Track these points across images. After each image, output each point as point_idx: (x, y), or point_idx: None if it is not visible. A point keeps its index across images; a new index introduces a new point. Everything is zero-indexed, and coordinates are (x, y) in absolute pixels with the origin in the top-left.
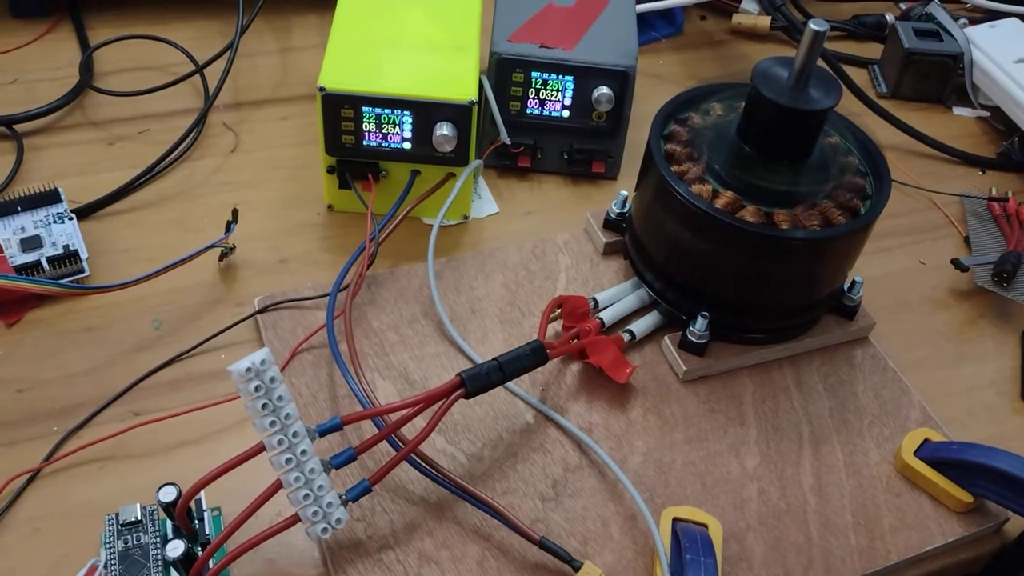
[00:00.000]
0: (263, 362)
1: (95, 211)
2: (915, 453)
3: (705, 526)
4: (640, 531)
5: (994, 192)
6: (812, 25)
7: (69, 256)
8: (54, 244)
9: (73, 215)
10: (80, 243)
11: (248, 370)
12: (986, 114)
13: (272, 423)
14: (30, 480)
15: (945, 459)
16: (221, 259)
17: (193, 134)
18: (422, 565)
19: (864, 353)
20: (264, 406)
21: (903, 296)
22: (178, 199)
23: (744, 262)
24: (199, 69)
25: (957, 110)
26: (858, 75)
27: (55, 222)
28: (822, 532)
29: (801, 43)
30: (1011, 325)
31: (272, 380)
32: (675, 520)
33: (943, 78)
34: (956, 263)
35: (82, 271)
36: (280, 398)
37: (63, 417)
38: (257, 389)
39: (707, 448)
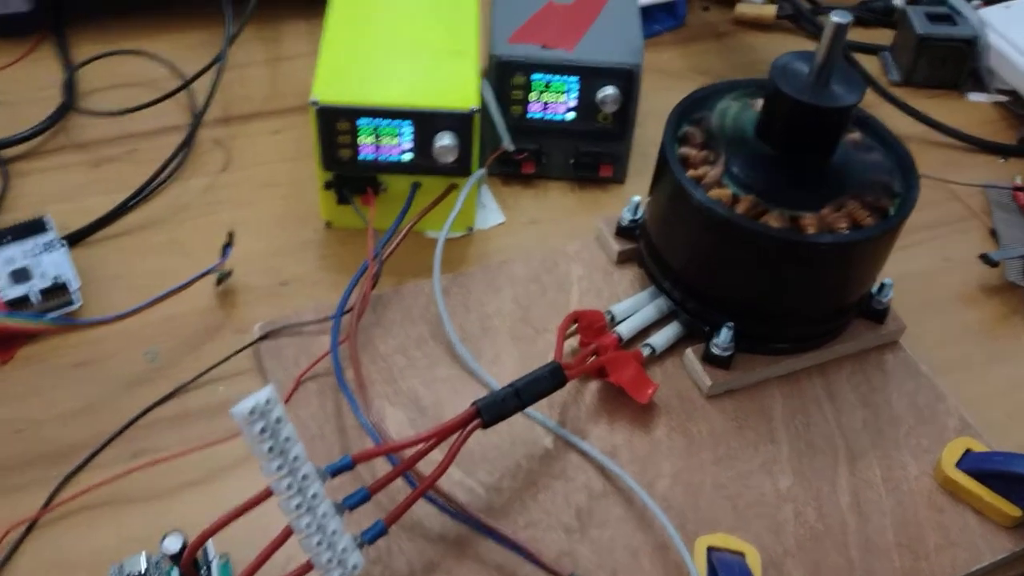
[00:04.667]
0: (267, 401)
1: (84, 237)
2: (957, 465)
3: (742, 554)
4: (673, 562)
5: (1019, 181)
6: (834, 17)
7: (59, 288)
8: (43, 275)
9: (64, 243)
10: (70, 273)
11: (252, 412)
12: (1004, 99)
13: (280, 467)
14: (28, 530)
15: (990, 471)
16: (218, 284)
17: (182, 152)
18: None
19: (896, 358)
20: (270, 449)
21: (930, 295)
22: (170, 221)
23: (769, 270)
24: (186, 84)
25: (972, 96)
26: (868, 63)
27: (44, 251)
28: (864, 555)
29: (823, 37)
30: None
31: (278, 420)
32: (710, 549)
33: (958, 63)
34: (985, 258)
35: (72, 303)
36: (287, 439)
37: (60, 460)
38: (262, 431)
39: (737, 468)
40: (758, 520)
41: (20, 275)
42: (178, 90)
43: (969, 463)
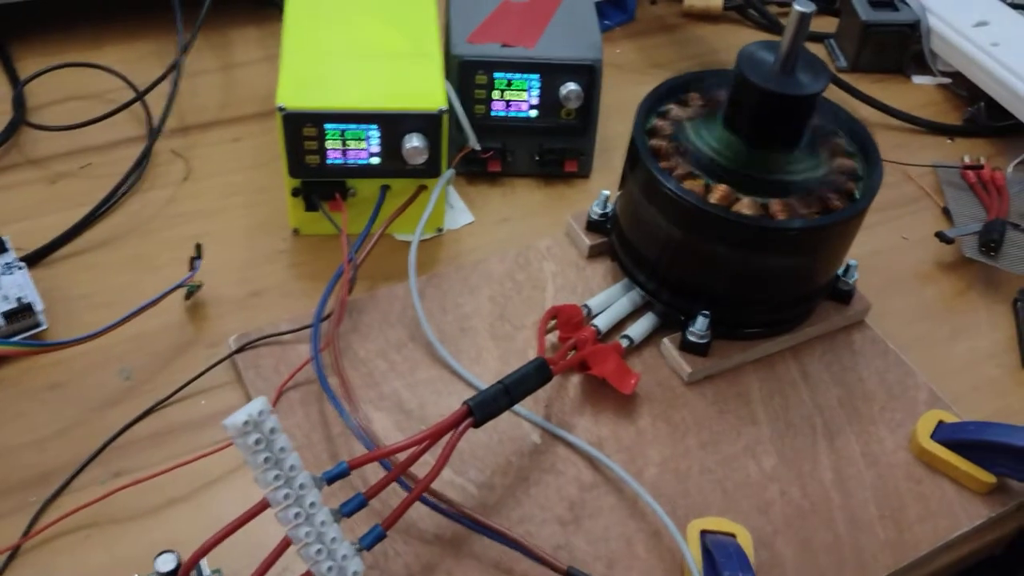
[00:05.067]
0: (261, 412)
1: (44, 256)
2: (931, 437)
3: (733, 535)
4: (667, 547)
5: (967, 160)
6: (797, 7)
7: (23, 310)
8: (6, 298)
9: (23, 264)
10: (34, 294)
11: (246, 423)
12: (947, 81)
13: (276, 477)
14: (10, 558)
15: (963, 441)
16: (188, 297)
17: (141, 165)
18: None
19: (863, 337)
20: (266, 460)
21: (890, 274)
22: (132, 236)
23: (743, 256)
24: (140, 96)
25: (917, 79)
26: (814, 50)
27: (4, 273)
28: (850, 529)
29: (787, 26)
30: (1001, 294)
31: (272, 431)
32: (703, 532)
33: (901, 48)
34: (941, 236)
35: (39, 324)
36: (282, 449)
37: (38, 486)
38: (257, 443)
39: (722, 452)
40: (746, 501)
41: None
42: (132, 102)
43: (943, 434)
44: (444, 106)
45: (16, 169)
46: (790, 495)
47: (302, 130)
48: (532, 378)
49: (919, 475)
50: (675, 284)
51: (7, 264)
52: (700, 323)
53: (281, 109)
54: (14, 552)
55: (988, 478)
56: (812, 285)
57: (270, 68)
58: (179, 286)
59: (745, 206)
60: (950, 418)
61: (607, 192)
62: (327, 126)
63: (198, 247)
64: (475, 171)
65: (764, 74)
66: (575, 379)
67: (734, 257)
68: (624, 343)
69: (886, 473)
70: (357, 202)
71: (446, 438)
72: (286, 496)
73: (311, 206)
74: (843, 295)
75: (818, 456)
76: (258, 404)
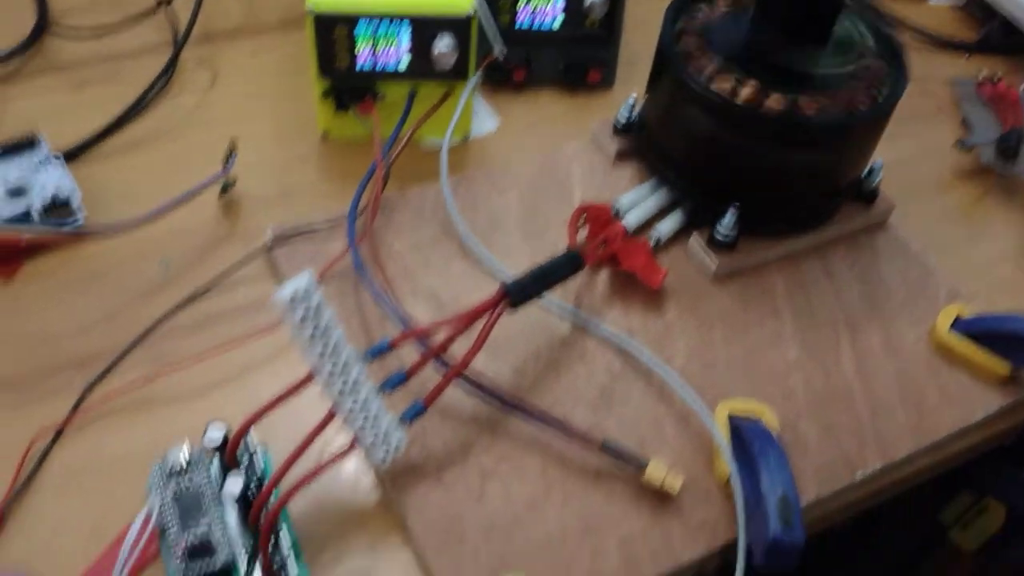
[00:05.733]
0: (307, 287)
1: (79, 155)
2: (950, 329)
3: (759, 416)
4: (694, 430)
5: (984, 74)
6: None
7: (61, 204)
8: (42, 192)
9: (60, 157)
10: (72, 188)
11: (293, 298)
12: (962, 1)
13: (322, 351)
14: (56, 437)
15: (981, 331)
16: (223, 194)
17: (168, 72)
18: (484, 481)
19: (886, 237)
20: (312, 334)
21: (911, 182)
22: (163, 139)
23: (772, 153)
24: (165, 2)
25: (933, 0)
26: None
27: (40, 168)
28: (871, 414)
29: None
30: (1016, 201)
31: (319, 306)
32: (730, 415)
33: None
34: (960, 144)
35: (76, 218)
36: (328, 324)
37: (81, 369)
38: (304, 317)
39: (747, 343)
40: (771, 388)
41: (17, 192)
42: (157, 8)
43: (961, 327)
44: (473, 8)
45: (42, 75)
46: (813, 383)
47: (333, 31)
48: (565, 266)
49: (938, 366)
50: (704, 182)
51: (42, 160)
52: (728, 219)
53: (311, 11)
54: (60, 430)
55: (1003, 368)
56: (837, 183)
57: None
58: (216, 179)
59: (774, 102)
60: (968, 313)
61: (634, 96)
62: (358, 28)
63: (232, 143)
64: (500, 80)
65: None
66: (604, 274)
67: (763, 153)
68: (652, 240)
69: (906, 364)
70: (385, 106)
71: (483, 320)
72: (332, 370)
73: (341, 106)
74: (867, 196)
75: (840, 348)
76: (304, 278)
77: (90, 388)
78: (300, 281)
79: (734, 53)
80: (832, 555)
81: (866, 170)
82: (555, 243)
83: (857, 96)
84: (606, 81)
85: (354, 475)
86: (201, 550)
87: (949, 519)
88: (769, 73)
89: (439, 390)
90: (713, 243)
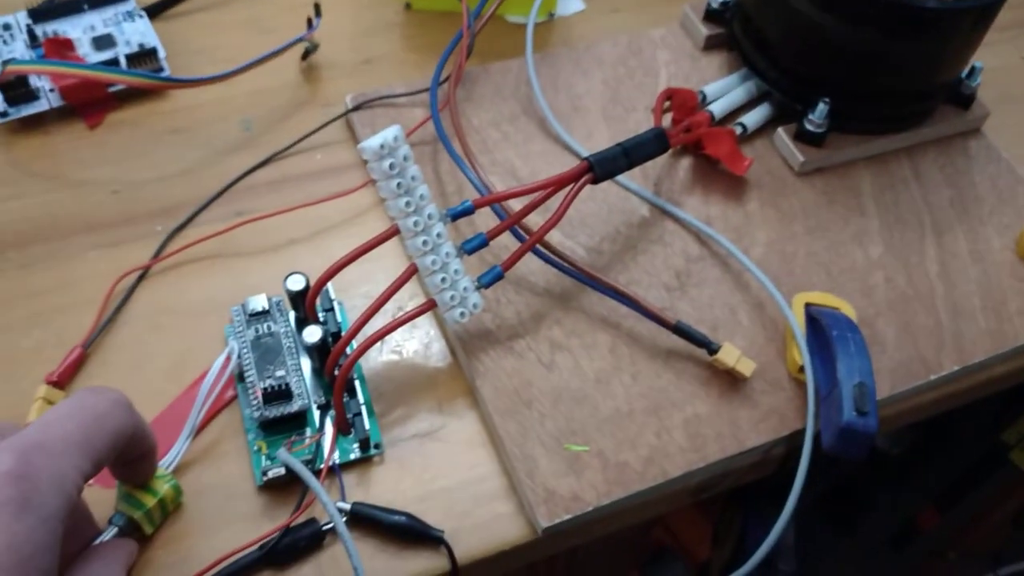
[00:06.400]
0: (395, 138)
1: (162, 11)
2: None
3: (837, 309)
4: (769, 317)
5: None
6: None
7: (146, 54)
8: (128, 42)
9: (143, 12)
10: (156, 40)
11: (382, 146)
12: None
13: (407, 204)
14: (140, 278)
15: None
16: (304, 58)
17: None
18: (554, 352)
19: (979, 144)
20: (399, 185)
21: (1006, 92)
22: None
23: (873, 39)
24: None
25: None
26: None
27: (125, 20)
28: (951, 316)
29: None
30: None
31: (405, 158)
32: (807, 304)
33: None
34: None
35: (161, 69)
36: (414, 178)
37: (163, 217)
38: (391, 167)
39: (829, 238)
40: (850, 284)
41: (103, 42)
42: None
43: None
44: None
45: None
46: (895, 282)
47: None
48: (650, 144)
49: (1023, 274)
50: (797, 72)
51: (128, 12)
52: (820, 111)
53: None
54: (144, 272)
55: None
56: (936, 79)
57: None
58: (298, 40)
59: None
60: None
61: None
62: None
63: (317, 5)
64: None
65: None
66: (685, 161)
67: (865, 40)
68: (737, 130)
69: (991, 270)
70: None
71: (564, 193)
72: (416, 223)
73: None
74: (964, 99)
75: (925, 250)
76: (393, 130)
77: (173, 235)
78: (389, 132)
79: None
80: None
81: (965, 71)
82: (637, 128)
83: None
84: None
85: (427, 339)
86: (277, 395)
87: (1011, 439)
88: None
89: (518, 255)
90: (801, 136)
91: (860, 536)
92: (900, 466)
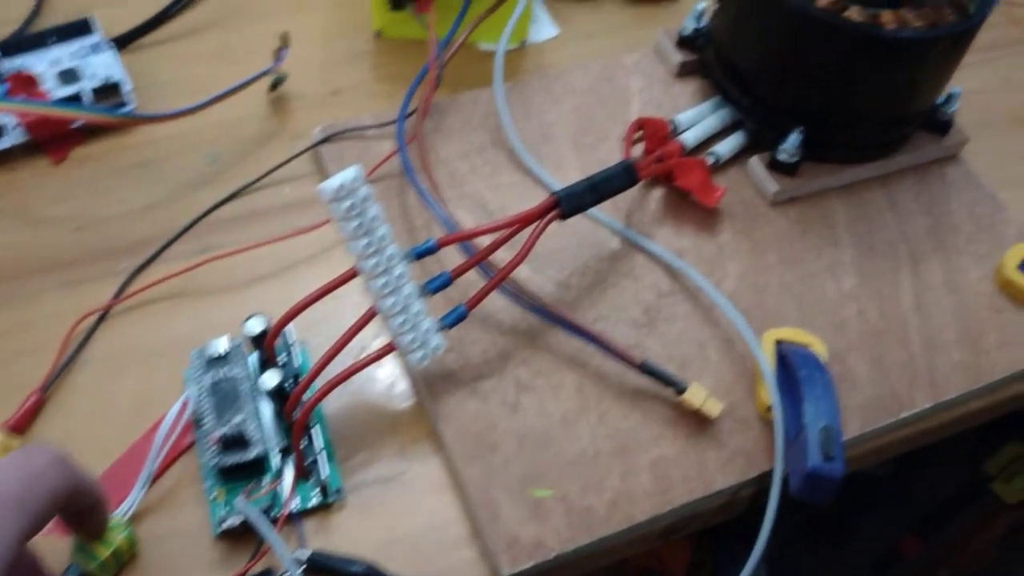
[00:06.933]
0: (355, 179)
1: (129, 42)
2: (1018, 268)
3: (808, 346)
4: (739, 353)
5: None
6: None
7: (111, 88)
8: (93, 76)
9: (112, 44)
10: (122, 73)
11: (340, 188)
12: None
13: (367, 245)
14: (101, 319)
15: None
16: (272, 88)
17: None
18: (519, 393)
19: (956, 171)
20: (359, 227)
21: (986, 115)
22: (215, 29)
23: (846, 68)
24: None
25: None
26: None
27: (92, 53)
28: (925, 350)
29: None
30: None
31: (365, 199)
32: (778, 341)
33: None
34: None
35: (126, 103)
36: (374, 218)
37: (127, 255)
38: (350, 208)
39: (802, 269)
40: (822, 317)
41: (69, 76)
42: None
43: None
44: None
45: None
46: (867, 315)
47: None
48: (619, 178)
49: (1001, 305)
50: (770, 101)
51: (94, 45)
52: (792, 140)
53: None
54: (105, 313)
55: None
56: (911, 107)
57: None
58: (265, 73)
59: (855, 13)
60: None
61: (703, 4)
62: None
63: (284, 37)
64: None
65: None
66: (657, 192)
67: (836, 68)
68: (710, 160)
69: (968, 300)
70: (441, 6)
71: (531, 228)
72: (376, 265)
73: (396, 5)
74: (940, 125)
75: (899, 280)
76: (352, 171)
77: (136, 273)
78: (348, 173)
79: None
80: (870, 498)
81: (942, 97)
82: (608, 158)
83: (942, 13)
84: None
85: (390, 380)
86: (235, 442)
87: (993, 470)
88: None
89: (483, 294)
90: (774, 165)
91: (842, 561)
92: (884, 489)
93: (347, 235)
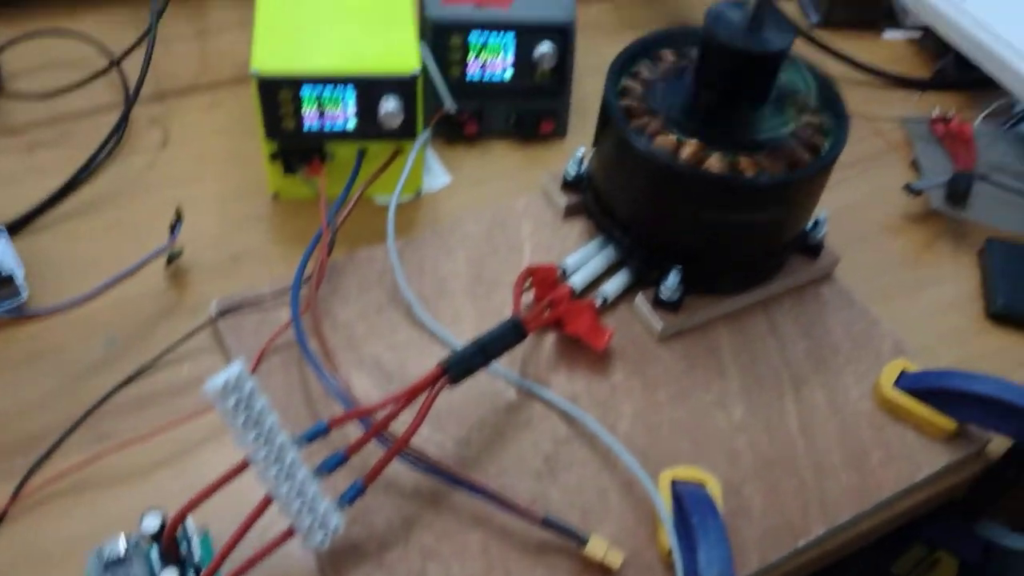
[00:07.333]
0: (239, 376)
1: (25, 225)
2: (894, 385)
3: (703, 483)
4: (639, 497)
5: (936, 113)
6: None
7: (3, 280)
8: None
9: (3, 231)
10: (14, 263)
11: (225, 386)
12: (917, 35)
13: (256, 437)
14: None
15: (924, 388)
16: (169, 263)
17: (119, 132)
18: (425, 561)
19: (831, 290)
20: (246, 421)
21: (859, 227)
22: (112, 203)
23: (714, 213)
24: (115, 63)
25: (888, 34)
26: (787, 6)
27: None
28: (815, 475)
29: None
30: (967, 244)
31: (251, 393)
32: (674, 482)
33: (873, 3)
34: (908, 188)
35: (19, 293)
36: (261, 410)
37: (23, 451)
38: (236, 405)
39: (692, 404)
40: (715, 451)
41: None
42: (108, 68)
43: (905, 383)
44: (418, 69)
45: None
46: (758, 444)
47: (278, 95)
48: (507, 336)
49: (882, 423)
50: (648, 241)
51: None
52: (672, 280)
53: (256, 74)
54: (1, 516)
55: (949, 424)
56: (781, 240)
57: (246, 32)
58: (160, 252)
59: (715, 162)
60: (913, 367)
61: (582, 151)
62: (303, 90)
63: (178, 212)
64: (452, 134)
65: (731, 32)
66: (550, 337)
67: (705, 213)
68: (598, 301)
69: (850, 421)
70: (335, 166)
71: (423, 396)
72: (266, 456)
73: (289, 169)
74: (812, 249)
75: (785, 407)
76: (236, 368)
77: (31, 472)
78: (232, 370)
79: (677, 110)
80: None
81: (811, 223)
82: (503, 306)
83: (798, 152)
84: (559, 131)
85: (298, 560)
86: None
87: (901, 571)
88: (711, 130)
89: (378, 470)
90: (658, 303)
91: None
92: None
93: (235, 430)
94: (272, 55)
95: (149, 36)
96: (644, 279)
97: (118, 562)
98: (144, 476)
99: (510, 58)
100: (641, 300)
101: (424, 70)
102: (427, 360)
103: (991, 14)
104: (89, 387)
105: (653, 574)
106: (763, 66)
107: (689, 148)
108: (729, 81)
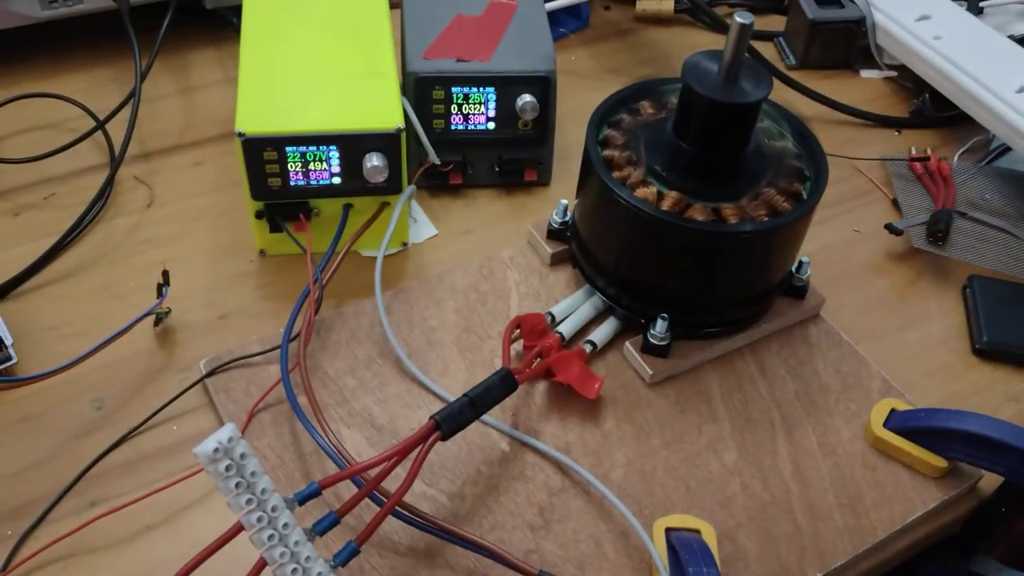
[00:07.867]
0: (230, 439)
1: (12, 289)
2: (884, 425)
3: (698, 531)
4: (634, 546)
5: (913, 152)
6: (737, 19)
7: None
8: None
9: None
10: (2, 329)
11: (216, 450)
12: (893, 74)
13: (248, 500)
14: None
15: (914, 428)
16: (157, 324)
17: (105, 193)
18: None
19: (819, 330)
20: (238, 485)
21: (843, 267)
22: (99, 264)
23: (697, 261)
24: (100, 125)
25: (865, 73)
26: (765, 49)
27: None
28: (809, 519)
29: (728, 37)
30: (951, 281)
31: (242, 456)
32: (668, 530)
33: (848, 43)
34: (890, 228)
35: (9, 358)
36: (253, 473)
37: (14, 519)
38: (228, 468)
39: (685, 450)
40: (709, 497)
41: None
42: (93, 131)
43: (895, 422)
44: (401, 125)
45: None
46: (751, 488)
47: (262, 154)
48: (497, 388)
49: (874, 463)
50: (634, 289)
51: None
52: (660, 326)
53: (241, 135)
54: None
55: (940, 463)
56: (766, 284)
57: (230, 89)
58: (147, 314)
59: (697, 212)
60: (902, 406)
61: (565, 201)
62: (287, 149)
63: (165, 274)
64: (437, 184)
65: (708, 84)
66: (541, 386)
67: (689, 262)
68: (587, 348)
69: (842, 462)
70: (321, 221)
71: (415, 452)
72: (259, 519)
73: (275, 228)
74: (797, 291)
75: (777, 449)
76: (227, 431)
77: (24, 539)
78: (223, 433)
79: (658, 160)
80: None
81: (795, 265)
82: (491, 357)
83: (779, 199)
84: (542, 179)
85: None
86: None
87: None
88: (692, 179)
89: (371, 530)
90: (647, 349)
91: None
92: None
93: (227, 493)
94: (256, 115)
95: (134, 99)
96: (632, 325)
97: None
98: (137, 540)
99: (492, 110)
100: (630, 347)
101: (408, 124)
102: (418, 413)
103: (961, 52)
104: (79, 451)
105: None
106: (741, 116)
107: (670, 199)
108: (708, 132)
